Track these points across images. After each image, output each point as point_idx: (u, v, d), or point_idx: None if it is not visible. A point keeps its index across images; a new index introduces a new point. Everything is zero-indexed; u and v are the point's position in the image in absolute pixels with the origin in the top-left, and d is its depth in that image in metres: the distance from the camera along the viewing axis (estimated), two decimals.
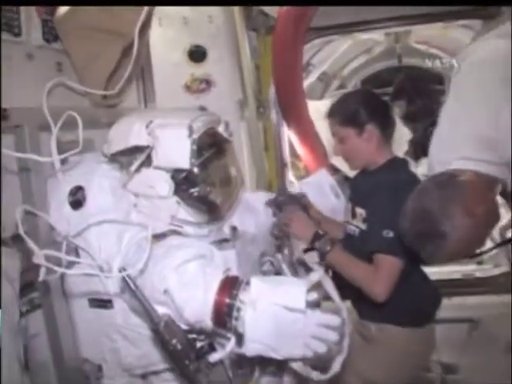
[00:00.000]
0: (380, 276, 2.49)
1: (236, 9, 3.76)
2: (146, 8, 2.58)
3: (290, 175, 4.74)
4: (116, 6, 2.64)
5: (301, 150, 4.53)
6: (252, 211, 2.85)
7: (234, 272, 2.22)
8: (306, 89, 5.55)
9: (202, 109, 3.61)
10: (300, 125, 4.35)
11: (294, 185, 3.28)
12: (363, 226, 2.67)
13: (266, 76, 4.21)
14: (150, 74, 3.63)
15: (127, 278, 1.99)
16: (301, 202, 2.88)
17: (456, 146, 2.09)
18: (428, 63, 6.96)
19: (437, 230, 1.99)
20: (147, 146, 2.28)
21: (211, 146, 2.44)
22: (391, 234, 2.46)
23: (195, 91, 3.74)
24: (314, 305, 1.93)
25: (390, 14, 4.14)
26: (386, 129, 2.76)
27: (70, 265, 2.13)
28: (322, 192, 3.16)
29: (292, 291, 1.92)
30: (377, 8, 3.91)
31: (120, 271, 1.98)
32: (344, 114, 2.75)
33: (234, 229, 2.62)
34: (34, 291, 2.33)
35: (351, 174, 3.45)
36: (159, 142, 2.27)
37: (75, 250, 2.29)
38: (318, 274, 2.05)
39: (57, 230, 2.31)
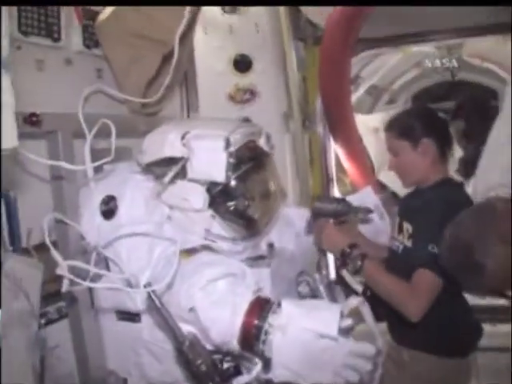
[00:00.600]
0: (417, 292, 2.35)
1: (283, 18, 3.66)
2: (187, 15, 2.51)
3: (336, 190, 4.63)
4: (156, 12, 2.59)
5: (347, 164, 4.41)
6: (292, 227, 2.74)
7: (266, 292, 2.15)
8: (355, 102, 5.46)
9: (246, 120, 3.54)
10: (347, 139, 4.23)
11: None
12: (408, 243, 2.55)
13: (313, 88, 4.10)
14: (194, 82, 3.57)
15: (152, 295, 1.92)
16: (339, 212, 2.67)
17: (499, 171, 2.00)
18: (482, 79, 6.76)
19: (473, 260, 1.89)
20: (181, 158, 2.21)
21: (250, 159, 2.36)
22: (436, 250, 2.32)
23: (239, 102, 3.67)
24: (347, 331, 1.84)
25: (441, 26, 4.00)
26: (443, 146, 2.65)
27: (98, 277, 2.07)
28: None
29: (324, 317, 1.83)
30: (426, 20, 3.77)
31: (145, 286, 1.91)
32: (400, 127, 2.67)
33: (270, 246, 2.53)
34: (61, 300, 2.28)
35: (400, 190, 3.33)
36: (194, 154, 2.21)
37: (105, 261, 2.24)
38: (355, 300, 1.96)
39: (87, 239, 2.26)
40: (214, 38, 3.64)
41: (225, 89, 3.68)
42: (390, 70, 5.62)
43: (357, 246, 2.51)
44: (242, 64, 3.67)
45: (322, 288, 2.42)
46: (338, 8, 3.48)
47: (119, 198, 2.35)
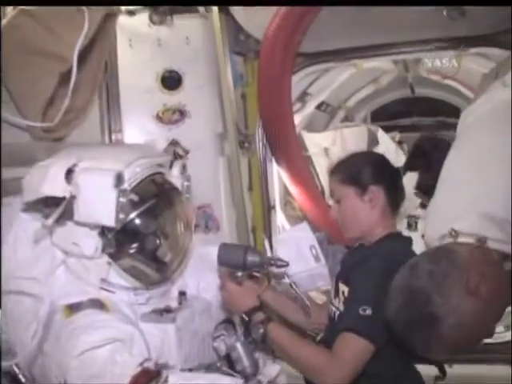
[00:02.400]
0: (338, 361, 1.98)
1: (218, 30, 3.33)
2: (85, 28, 2.19)
3: (281, 218, 4.30)
4: (56, 24, 2.28)
5: (293, 188, 4.08)
6: (215, 270, 2.39)
7: (172, 353, 1.88)
8: (306, 120, 5.18)
9: (174, 143, 3.22)
10: (290, 161, 3.89)
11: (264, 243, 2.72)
12: (342, 308, 2.22)
13: (254, 106, 3.75)
14: (117, 101, 3.23)
15: (15, 368, 1.57)
16: (247, 264, 2.22)
17: (457, 216, 1.79)
18: (443, 95, 6.53)
19: (430, 313, 1.63)
20: (65, 197, 1.87)
21: (155, 196, 2.04)
22: (368, 312, 2.00)
23: (167, 122, 3.33)
24: None
25: (393, 39, 3.68)
26: (393, 197, 2.34)
27: None
28: (300, 253, 2.58)
29: None
30: (377, 33, 3.47)
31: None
32: (347, 171, 2.36)
33: (182, 294, 2.19)
34: None
35: None
36: (80, 192, 1.87)
37: None
38: (274, 370, 1.65)
39: None
40: (140, 51, 3.31)
41: (152, 108, 3.34)
42: (341, 86, 5.28)
43: (256, 310, 2.14)
44: (171, 80, 3.34)
45: (239, 346, 2.08)
46: (276, 20, 3.17)
47: (3, 240, 2.01)
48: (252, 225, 3.69)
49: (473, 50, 3.80)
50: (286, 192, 4.40)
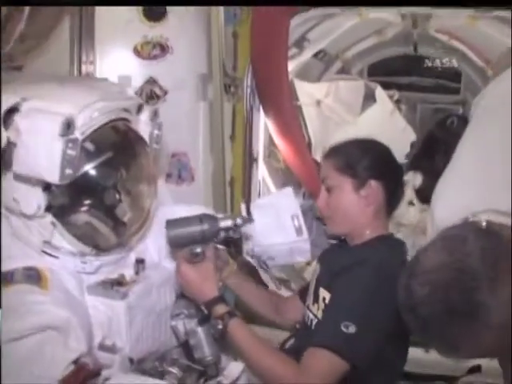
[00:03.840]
0: (310, 377, 1.69)
1: None
2: None
3: (264, 171, 4.00)
4: None
5: (278, 140, 3.78)
6: None
7: (121, 332, 1.73)
8: (300, 68, 4.86)
9: (151, 81, 2.90)
10: (279, 110, 3.59)
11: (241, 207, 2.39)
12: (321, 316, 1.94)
13: (246, 47, 3.41)
14: (91, 29, 2.90)
15: None
16: (204, 235, 1.85)
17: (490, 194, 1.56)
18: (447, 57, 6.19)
19: (477, 303, 1.27)
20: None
21: (116, 147, 1.74)
22: (352, 330, 1.73)
23: (146, 57, 3.00)
24: None
25: None
26: (392, 196, 2.04)
27: None
28: (279, 222, 2.24)
29: None
30: None
31: None
32: (346, 158, 2.03)
33: (139, 262, 1.90)
34: None
35: None
36: (21, 140, 1.56)
37: None
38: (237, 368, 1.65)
39: None
40: None
41: (129, 40, 3.00)
42: (343, 34, 4.95)
43: (216, 301, 1.81)
44: (154, 11, 2.99)
45: (200, 332, 1.80)
46: None
47: None
48: (231, 177, 3.42)
49: (492, 14, 3.49)
50: (270, 142, 4.09)
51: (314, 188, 3.44)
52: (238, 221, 1.86)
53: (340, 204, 1.99)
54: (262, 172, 3.94)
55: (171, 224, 1.80)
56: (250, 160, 3.54)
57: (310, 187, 3.62)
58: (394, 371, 1.94)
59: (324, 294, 1.92)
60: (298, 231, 2.20)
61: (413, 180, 3.54)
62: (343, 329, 1.72)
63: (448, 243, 1.38)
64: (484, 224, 1.42)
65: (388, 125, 4.66)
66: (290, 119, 3.73)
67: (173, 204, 2.24)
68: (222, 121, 3.25)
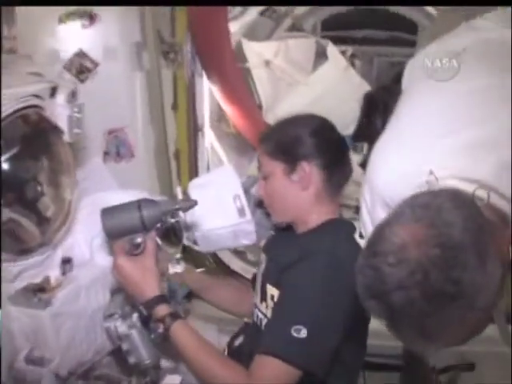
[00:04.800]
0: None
1: None
2: None
3: (211, 138, 3.84)
4: None
5: (226, 106, 3.62)
6: None
7: (48, 343, 1.62)
8: (249, 27, 4.65)
9: (80, 54, 2.70)
10: (224, 75, 3.41)
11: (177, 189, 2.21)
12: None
13: (184, 11, 3.19)
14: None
15: None
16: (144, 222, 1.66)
17: (453, 157, 1.35)
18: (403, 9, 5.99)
19: (466, 282, 1.11)
20: None
21: (27, 138, 1.59)
22: (304, 334, 1.59)
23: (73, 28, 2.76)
24: None
25: None
26: (333, 176, 1.89)
27: None
28: (220, 204, 2.10)
29: None
30: None
31: None
32: (275, 142, 1.89)
33: (66, 262, 1.75)
34: None
35: None
36: None
37: None
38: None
39: None
40: None
41: (52, 10, 2.71)
42: None
43: (157, 302, 1.67)
44: None
45: (135, 335, 1.66)
46: None
47: None
48: (175, 149, 3.24)
49: None
50: (220, 108, 3.91)
51: None
52: (181, 204, 1.71)
53: (275, 192, 1.88)
54: (209, 139, 3.78)
55: (107, 212, 1.64)
56: (195, 128, 3.36)
57: None
58: (352, 369, 1.85)
59: (272, 291, 1.81)
60: (241, 212, 2.06)
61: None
62: (294, 334, 1.60)
63: (420, 213, 1.20)
64: (460, 191, 1.27)
65: (342, 82, 4.48)
66: (235, 83, 3.55)
67: (108, 190, 2.09)
68: (161, 90, 3.06)
